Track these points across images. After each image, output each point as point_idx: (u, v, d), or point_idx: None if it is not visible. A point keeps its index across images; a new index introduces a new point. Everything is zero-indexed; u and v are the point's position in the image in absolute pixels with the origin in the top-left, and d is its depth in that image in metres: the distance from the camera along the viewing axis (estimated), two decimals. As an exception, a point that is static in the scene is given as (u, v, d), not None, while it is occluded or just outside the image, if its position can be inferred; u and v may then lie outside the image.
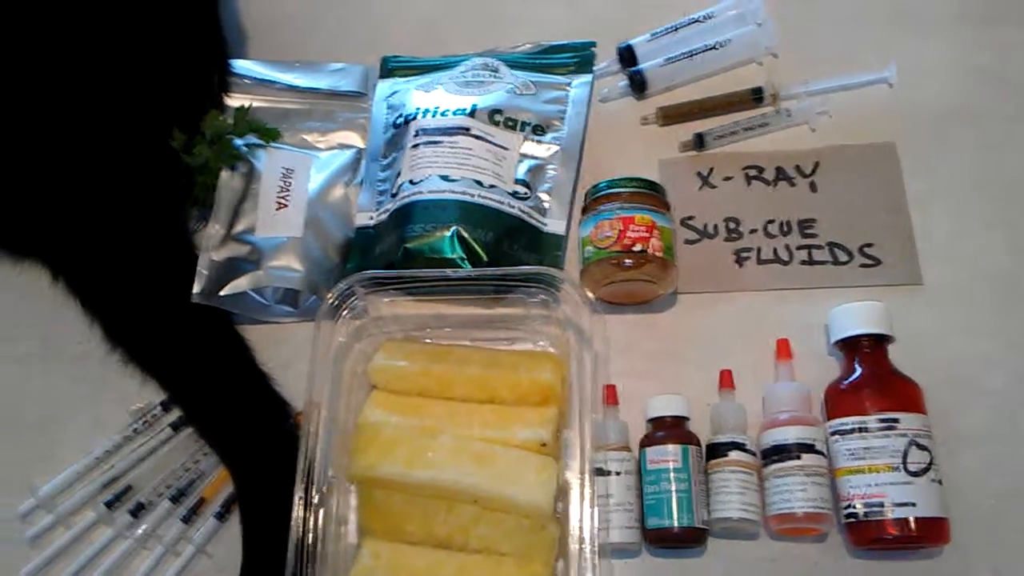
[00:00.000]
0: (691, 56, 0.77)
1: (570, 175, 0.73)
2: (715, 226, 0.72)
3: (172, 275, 0.68)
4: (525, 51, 0.80)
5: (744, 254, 0.70)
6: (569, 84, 0.77)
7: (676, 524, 0.58)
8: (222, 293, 0.68)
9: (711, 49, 0.77)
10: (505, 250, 0.68)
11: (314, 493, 0.58)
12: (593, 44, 0.80)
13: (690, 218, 0.72)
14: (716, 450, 0.60)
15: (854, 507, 0.57)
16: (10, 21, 0.70)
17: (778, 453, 0.59)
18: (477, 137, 0.71)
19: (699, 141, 0.75)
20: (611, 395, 0.64)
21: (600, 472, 0.59)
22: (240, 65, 0.80)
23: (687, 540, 0.59)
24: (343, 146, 0.77)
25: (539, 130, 0.73)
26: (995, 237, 0.70)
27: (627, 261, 0.64)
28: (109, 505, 0.64)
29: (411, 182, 0.70)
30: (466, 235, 0.67)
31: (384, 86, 0.79)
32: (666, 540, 0.59)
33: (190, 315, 0.68)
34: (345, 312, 0.64)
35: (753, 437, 0.61)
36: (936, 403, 0.60)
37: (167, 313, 0.68)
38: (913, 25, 0.80)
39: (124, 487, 0.65)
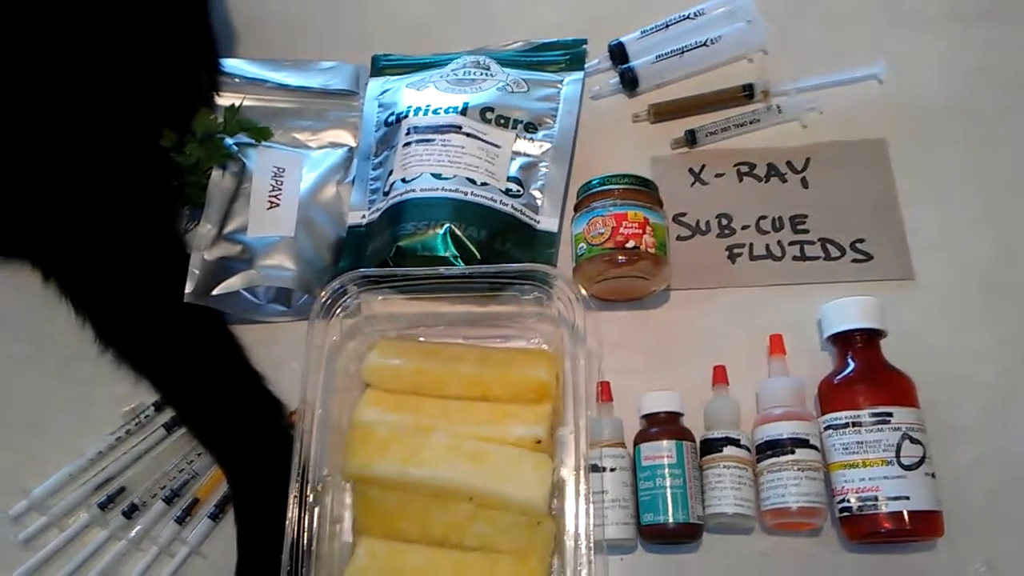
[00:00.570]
0: (682, 53, 0.77)
1: (562, 172, 0.73)
2: (707, 222, 0.72)
3: (164, 275, 0.68)
4: (516, 49, 0.80)
5: (736, 250, 0.71)
6: (561, 82, 0.77)
7: (671, 520, 0.58)
8: (214, 293, 0.68)
9: (702, 46, 0.77)
10: (498, 248, 0.68)
11: (309, 492, 0.58)
12: (584, 41, 0.80)
13: (682, 214, 0.72)
14: (710, 446, 0.61)
15: (848, 501, 0.57)
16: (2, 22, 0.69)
17: (772, 448, 0.59)
18: (469, 135, 0.71)
19: (691, 138, 0.75)
20: (605, 392, 0.64)
21: (595, 469, 0.59)
22: (230, 64, 0.80)
23: (682, 536, 0.59)
24: (334, 145, 0.77)
25: (531, 128, 0.73)
26: (985, 232, 0.70)
27: (620, 258, 0.64)
28: (102, 506, 0.64)
29: (403, 180, 0.70)
30: (459, 233, 0.67)
31: (375, 84, 0.79)
32: (661, 536, 0.59)
33: (182, 315, 0.67)
34: (338, 311, 0.64)
35: (747, 432, 0.61)
36: (929, 397, 0.60)
37: (159, 313, 0.68)
38: (903, 22, 0.80)
39: (117, 488, 0.65)
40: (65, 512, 0.64)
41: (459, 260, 0.66)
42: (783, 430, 0.59)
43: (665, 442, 0.60)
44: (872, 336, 0.62)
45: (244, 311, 0.70)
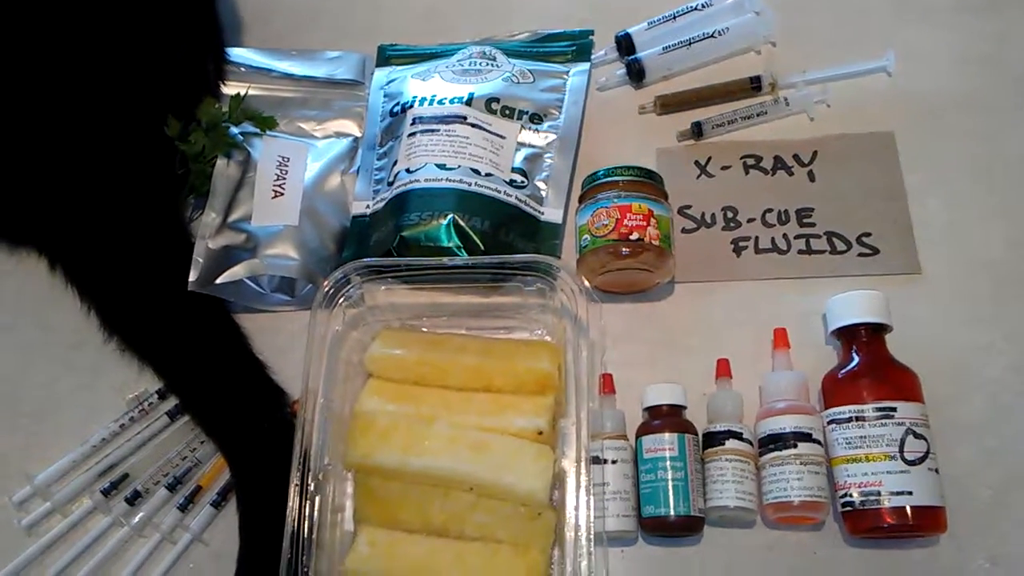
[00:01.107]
0: (689, 44, 0.77)
1: (567, 163, 0.72)
2: (713, 215, 0.71)
3: (168, 263, 0.68)
4: (523, 39, 0.80)
5: (742, 243, 0.70)
6: (567, 72, 0.77)
7: (672, 513, 0.58)
8: (218, 281, 0.68)
9: (709, 37, 0.77)
10: (502, 239, 0.68)
11: (310, 481, 0.58)
12: (591, 32, 0.80)
13: (688, 207, 0.72)
14: (713, 439, 0.60)
15: (851, 496, 0.57)
16: (6, 10, 0.69)
17: (774, 442, 0.59)
18: (474, 125, 0.71)
19: (697, 130, 0.75)
20: (608, 384, 0.64)
21: (596, 460, 0.59)
22: (236, 53, 0.80)
23: (683, 529, 0.59)
24: (339, 134, 0.77)
25: (536, 118, 0.73)
26: (993, 226, 0.70)
27: (624, 250, 0.64)
28: (106, 493, 0.64)
29: (407, 170, 0.70)
30: (462, 223, 0.67)
31: (381, 74, 0.79)
32: (662, 528, 0.59)
33: (186, 303, 0.67)
34: (341, 300, 0.64)
35: (750, 426, 0.61)
36: (934, 392, 0.60)
37: (163, 301, 0.68)
38: (912, 13, 0.79)
39: (121, 475, 0.65)
40: (68, 498, 0.65)
41: (463, 251, 0.66)
42: (786, 424, 0.59)
43: (667, 435, 0.60)
44: (877, 331, 0.62)
45: (248, 300, 0.70)
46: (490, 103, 0.73)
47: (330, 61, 0.81)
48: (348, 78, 0.80)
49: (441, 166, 0.69)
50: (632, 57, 0.78)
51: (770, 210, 0.71)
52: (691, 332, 0.67)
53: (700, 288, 0.69)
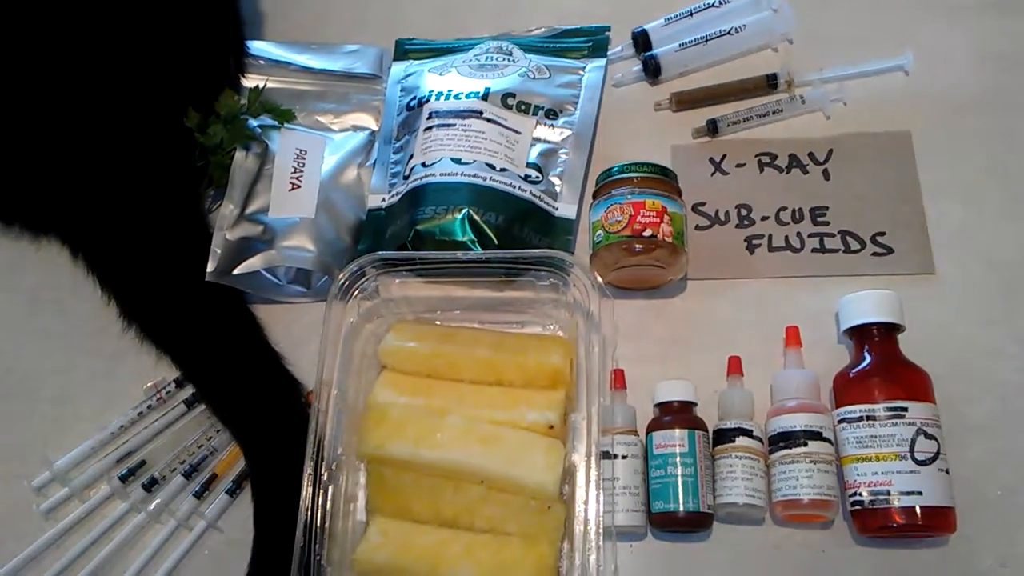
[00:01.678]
0: (706, 41, 0.77)
1: (582, 159, 0.73)
2: (727, 212, 0.72)
3: (187, 254, 0.69)
4: (539, 35, 0.80)
5: (755, 241, 0.70)
6: (583, 68, 0.77)
7: (681, 509, 0.58)
8: (235, 272, 0.68)
9: (726, 34, 0.77)
10: (516, 233, 0.68)
11: (323, 471, 0.59)
12: (607, 28, 0.80)
13: (702, 204, 0.72)
14: (723, 436, 0.61)
15: (860, 495, 0.57)
16: (31, 3, 0.70)
17: (785, 440, 0.59)
18: (490, 120, 0.72)
19: (712, 127, 0.75)
20: (619, 379, 0.65)
21: (606, 455, 0.60)
22: (255, 46, 0.81)
23: (692, 525, 0.60)
24: (356, 128, 0.78)
25: (552, 114, 0.73)
26: (1008, 227, 0.69)
27: (637, 246, 0.64)
28: (123, 479, 0.65)
29: (423, 164, 0.71)
30: (477, 218, 0.67)
31: (398, 68, 0.80)
32: (671, 524, 0.60)
33: (204, 293, 0.68)
34: (356, 293, 0.64)
35: (760, 424, 0.61)
36: (945, 392, 0.60)
37: (181, 291, 0.69)
38: (931, 12, 0.79)
39: (138, 462, 0.66)
40: (86, 484, 0.66)
41: (477, 245, 0.67)
42: (796, 422, 0.59)
43: (678, 431, 0.60)
44: (890, 330, 0.62)
45: (264, 291, 0.71)
46: (506, 98, 0.73)
47: (348, 55, 0.81)
48: (366, 72, 0.80)
49: (456, 160, 0.70)
50: (648, 53, 0.78)
51: (784, 208, 0.71)
52: (703, 329, 0.67)
53: (713, 285, 0.69)
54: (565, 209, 0.71)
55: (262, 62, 0.80)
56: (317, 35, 0.83)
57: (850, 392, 0.60)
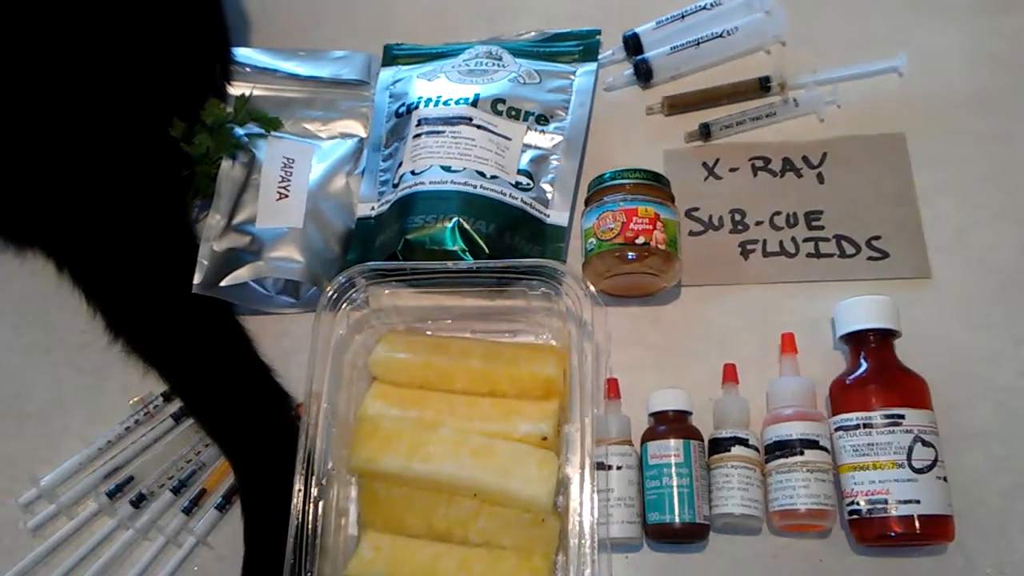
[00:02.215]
0: (698, 44, 0.76)
1: (573, 166, 0.72)
2: (720, 218, 0.71)
3: (173, 266, 0.68)
4: (529, 39, 0.80)
5: (750, 246, 0.69)
6: (574, 73, 0.76)
7: (677, 519, 0.58)
8: (223, 284, 0.68)
9: (718, 37, 0.76)
10: (507, 242, 0.67)
11: (314, 485, 0.58)
12: (598, 32, 0.79)
13: (695, 209, 0.71)
14: (718, 445, 0.60)
15: (857, 504, 0.57)
16: (12, 11, 0.69)
17: (781, 449, 0.59)
18: (480, 127, 0.71)
19: (705, 131, 0.74)
20: (613, 389, 0.64)
21: (601, 466, 0.59)
22: (241, 53, 0.80)
23: (688, 536, 0.59)
24: (345, 135, 0.77)
25: (543, 120, 0.73)
26: (1005, 230, 0.69)
27: (630, 254, 0.63)
28: (111, 495, 0.65)
29: (412, 172, 0.70)
30: (467, 227, 0.66)
31: (387, 74, 0.79)
32: (667, 535, 0.59)
33: (191, 306, 0.67)
34: (346, 303, 0.63)
35: (756, 432, 0.61)
36: (943, 399, 0.59)
37: (168, 303, 0.68)
38: (925, 13, 0.78)
39: (126, 478, 0.65)
40: (74, 500, 0.65)
41: (467, 254, 0.66)
42: (793, 430, 0.59)
43: (672, 441, 0.59)
44: (886, 336, 0.61)
45: (253, 302, 0.70)
46: (496, 104, 0.72)
47: (335, 61, 0.80)
48: (353, 78, 0.79)
49: (446, 168, 0.69)
50: (640, 57, 0.77)
51: (778, 213, 0.71)
52: (697, 337, 0.67)
53: (707, 292, 0.68)
54: (557, 216, 0.70)
55: (248, 69, 0.79)
56: (304, 40, 0.82)
57: (846, 400, 0.59)
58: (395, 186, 0.71)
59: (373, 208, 0.72)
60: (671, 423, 0.61)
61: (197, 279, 0.67)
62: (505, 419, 0.60)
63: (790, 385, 0.61)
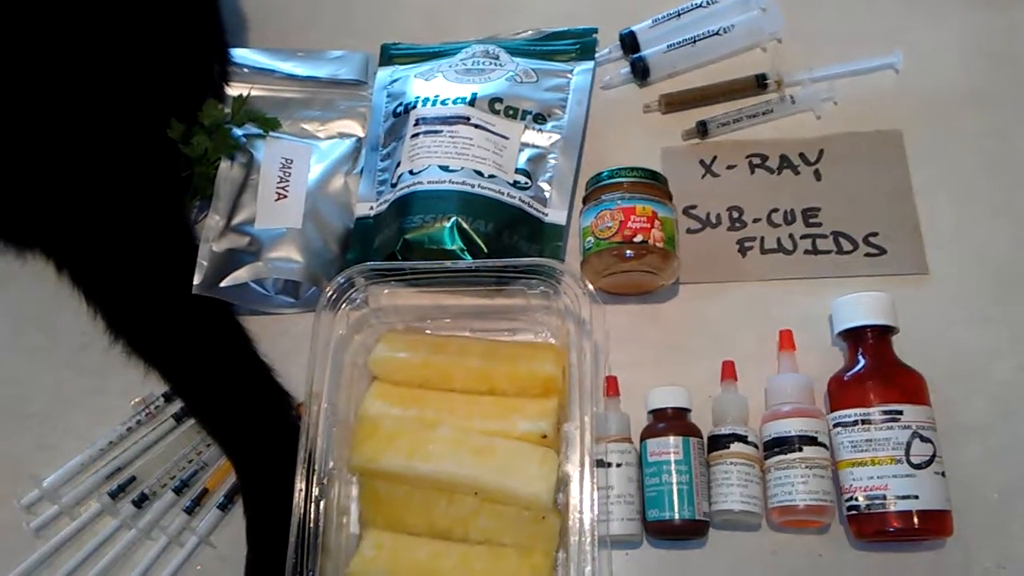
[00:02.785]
0: (694, 42, 0.76)
1: (571, 164, 0.72)
2: (718, 215, 0.71)
3: (173, 266, 0.68)
4: (526, 38, 0.80)
5: (747, 243, 0.70)
6: (571, 71, 0.76)
7: (677, 516, 0.58)
8: (222, 284, 0.68)
9: (714, 35, 0.76)
10: (505, 241, 0.67)
11: (315, 484, 0.58)
12: (595, 30, 0.79)
13: (693, 207, 0.72)
14: (717, 442, 0.60)
15: (856, 499, 0.57)
16: (10, 13, 0.69)
17: (780, 445, 0.59)
18: (477, 126, 0.71)
19: (702, 129, 0.74)
20: (612, 386, 0.64)
21: (600, 464, 0.59)
22: (239, 54, 0.80)
23: (687, 532, 0.59)
24: (343, 135, 0.77)
25: (540, 118, 0.73)
26: (1002, 226, 0.69)
27: (628, 252, 0.63)
28: (113, 496, 0.65)
29: (411, 172, 0.70)
30: (466, 226, 0.67)
31: (384, 74, 0.79)
32: (666, 532, 0.59)
33: (191, 306, 0.67)
34: (345, 303, 0.63)
35: (755, 429, 0.61)
36: (941, 394, 0.60)
37: (168, 304, 0.68)
38: (920, 9, 0.78)
39: (128, 478, 0.65)
40: (76, 501, 0.65)
41: (466, 253, 0.66)
42: (791, 427, 0.59)
43: (672, 438, 0.60)
44: (884, 333, 0.61)
45: (252, 303, 0.70)
46: (493, 103, 0.72)
47: (333, 61, 0.80)
48: (351, 78, 0.80)
49: (444, 168, 0.69)
50: (636, 55, 0.77)
51: (776, 210, 0.71)
52: (696, 334, 0.67)
53: (705, 289, 0.68)
54: (555, 215, 0.70)
55: (246, 70, 0.79)
56: (302, 41, 0.82)
57: (845, 396, 0.60)
58: (393, 186, 0.71)
59: (372, 208, 0.72)
60: (670, 420, 0.61)
61: (197, 280, 0.67)
62: (505, 417, 0.60)
63: (788, 382, 0.62)
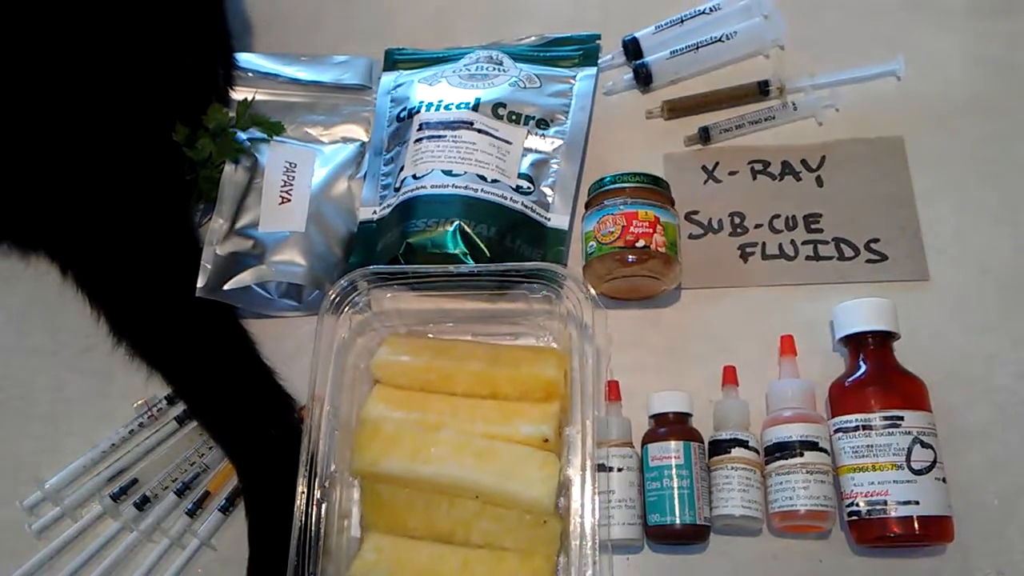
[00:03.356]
0: (697, 49, 0.77)
1: (574, 169, 0.72)
2: (720, 221, 0.71)
3: (177, 269, 0.69)
4: (530, 44, 0.80)
5: (749, 249, 0.70)
6: (574, 77, 0.76)
7: (678, 521, 0.58)
8: (226, 287, 0.68)
9: (717, 42, 0.77)
10: (508, 245, 0.68)
11: (317, 487, 0.58)
12: (598, 36, 0.80)
13: (695, 213, 0.72)
14: (718, 447, 0.60)
15: (857, 505, 0.57)
16: (18, 17, 0.70)
17: (781, 450, 0.59)
18: (480, 131, 0.71)
19: (704, 135, 0.74)
20: (614, 391, 0.64)
21: (602, 468, 0.59)
22: (244, 58, 0.80)
23: (688, 537, 0.59)
24: (347, 140, 0.77)
25: (543, 124, 0.73)
26: (1003, 232, 0.69)
27: (630, 257, 0.64)
28: (115, 498, 0.65)
29: (414, 176, 0.70)
30: (468, 230, 0.67)
31: (388, 79, 0.79)
32: (667, 537, 0.59)
33: (194, 309, 0.68)
34: (348, 307, 0.64)
35: (756, 434, 0.61)
36: (941, 400, 0.60)
37: (172, 307, 0.69)
38: (923, 16, 0.79)
39: (130, 480, 0.66)
40: (78, 503, 0.65)
41: (469, 257, 0.66)
42: (792, 432, 0.59)
43: (673, 443, 0.60)
44: (885, 338, 0.61)
45: (255, 306, 0.70)
46: (497, 108, 0.72)
47: (337, 66, 0.81)
48: (355, 83, 0.80)
49: (447, 172, 0.69)
50: (639, 61, 0.77)
51: (777, 216, 0.71)
52: (697, 339, 0.67)
53: (707, 295, 0.69)
54: (557, 220, 0.70)
55: (250, 74, 0.80)
56: (307, 46, 0.83)
57: (846, 401, 0.60)
58: (397, 190, 0.71)
59: (375, 212, 0.72)
60: (671, 425, 0.62)
61: (200, 283, 0.67)
62: (507, 421, 0.61)
63: (790, 387, 0.62)
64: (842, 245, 0.69)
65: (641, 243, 0.63)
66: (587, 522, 0.55)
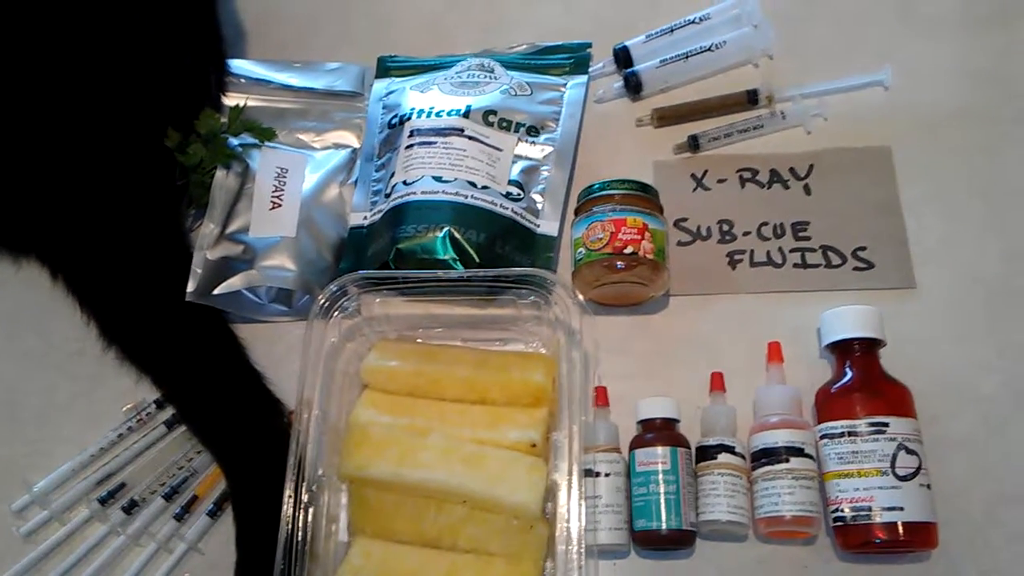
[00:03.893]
0: (687, 58, 0.77)
1: (564, 176, 0.73)
2: (708, 228, 0.72)
3: (167, 274, 0.69)
4: (521, 51, 0.81)
5: (737, 256, 0.70)
6: (564, 85, 0.77)
7: (664, 526, 0.58)
8: (216, 292, 0.68)
9: (707, 51, 0.77)
10: (497, 251, 0.68)
11: (304, 491, 0.59)
12: (589, 45, 0.80)
13: (683, 220, 0.72)
14: (705, 452, 0.61)
15: (842, 511, 0.57)
16: (9, 21, 0.70)
17: (767, 456, 0.59)
18: (471, 138, 0.72)
19: (694, 143, 0.75)
20: (601, 396, 0.65)
21: (589, 473, 0.60)
22: (236, 64, 0.81)
23: (675, 542, 0.59)
24: (338, 146, 0.78)
25: (533, 131, 0.73)
26: (989, 242, 0.70)
27: (618, 263, 0.64)
28: (103, 502, 0.65)
29: (404, 183, 0.70)
30: (458, 236, 0.67)
31: (380, 86, 0.80)
32: (654, 542, 0.60)
33: (184, 313, 0.68)
34: (338, 312, 0.64)
35: (743, 440, 0.61)
36: (927, 407, 0.60)
37: (161, 311, 0.69)
38: (911, 27, 0.79)
39: (118, 484, 0.66)
40: (66, 507, 0.65)
41: (458, 263, 0.67)
42: (778, 438, 0.59)
43: (660, 448, 0.60)
44: (871, 345, 0.62)
45: (245, 311, 0.70)
46: (487, 115, 0.73)
47: (329, 72, 0.81)
48: (347, 89, 0.80)
49: (438, 178, 0.70)
50: (630, 70, 0.78)
51: (766, 223, 0.71)
52: (685, 345, 0.67)
53: (695, 301, 0.69)
54: (547, 226, 0.70)
55: (243, 80, 0.80)
56: (300, 52, 0.83)
57: (832, 408, 0.60)
58: (387, 196, 0.71)
59: (365, 218, 0.72)
60: (659, 431, 0.62)
61: (190, 287, 0.68)
62: (495, 426, 0.61)
63: (776, 393, 0.62)
64: (829, 253, 0.70)
65: (629, 249, 0.64)
66: (574, 527, 0.55)
